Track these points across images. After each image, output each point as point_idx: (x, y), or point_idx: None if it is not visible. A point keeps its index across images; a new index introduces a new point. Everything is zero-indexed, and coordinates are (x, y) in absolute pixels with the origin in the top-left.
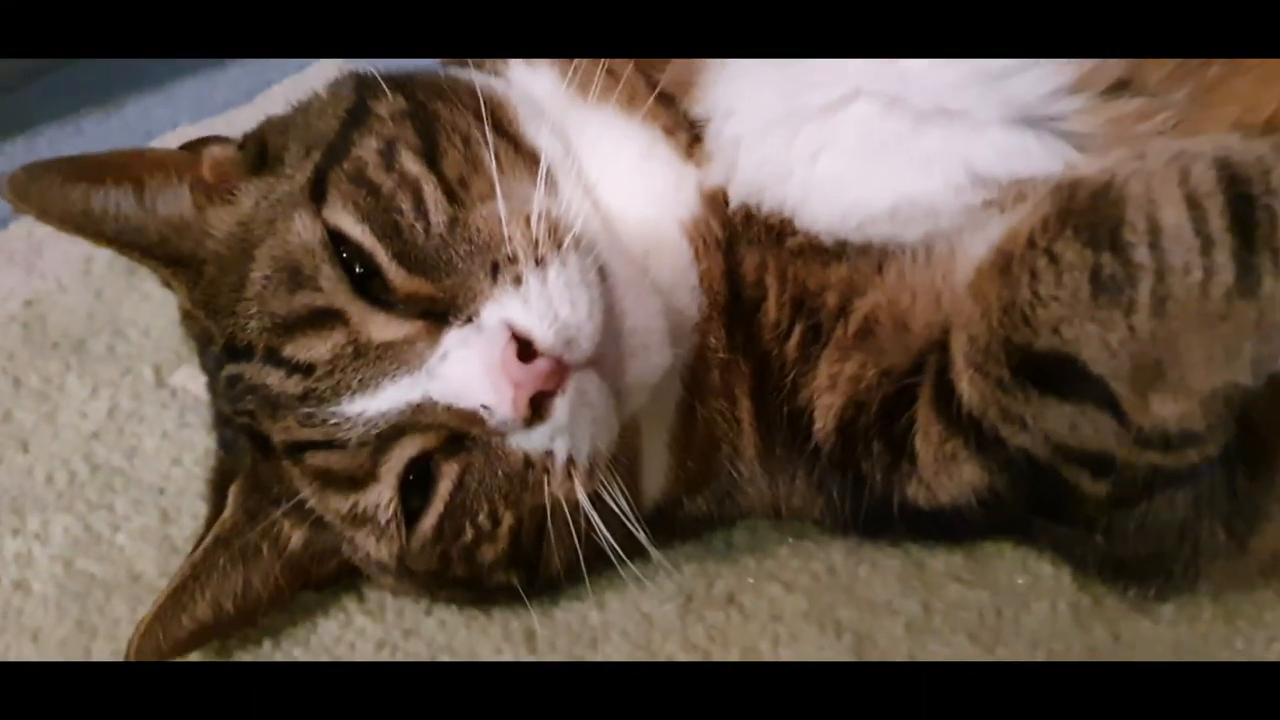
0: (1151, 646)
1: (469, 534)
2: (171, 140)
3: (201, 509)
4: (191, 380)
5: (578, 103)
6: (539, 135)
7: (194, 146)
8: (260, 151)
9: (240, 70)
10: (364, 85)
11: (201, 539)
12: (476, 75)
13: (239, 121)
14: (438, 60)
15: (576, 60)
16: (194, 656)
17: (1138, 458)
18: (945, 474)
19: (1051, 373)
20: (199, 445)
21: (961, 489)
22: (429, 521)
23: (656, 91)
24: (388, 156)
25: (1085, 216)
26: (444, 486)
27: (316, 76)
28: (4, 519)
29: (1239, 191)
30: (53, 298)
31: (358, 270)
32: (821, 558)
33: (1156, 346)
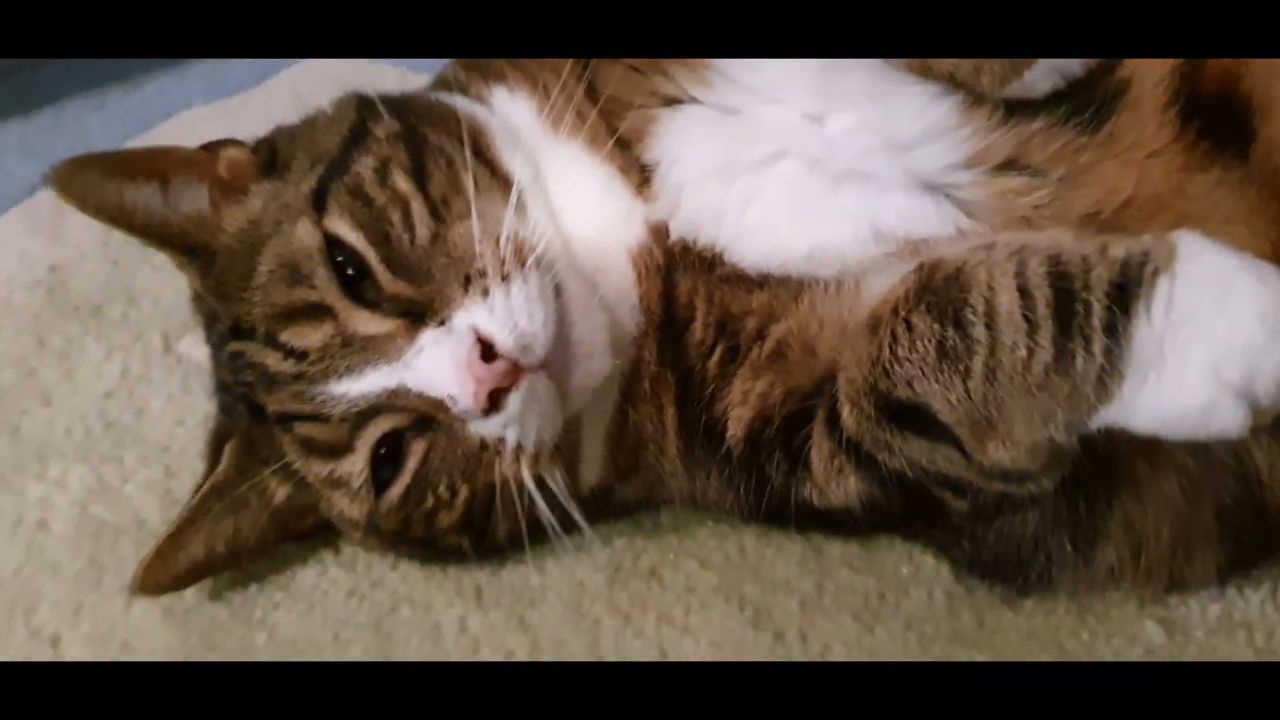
0: (1009, 634)
1: (430, 501)
2: (188, 119)
3: (200, 467)
4: (195, 349)
5: (550, 136)
6: (513, 162)
7: (212, 147)
8: (271, 156)
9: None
10: (364, 107)
11: (198, 488)
12: (463, 102)
13: (250, 103)
14: (429, 87)
15: (552, 98)
16: (187, 593)
17: (986, 485)
18: (834, 483)
19: (910, 415)
20: (200, 409)
21: (848, 496)
22: (397, 490)
23: (616, 136)
24: (382, 174)
25: (938, 295)
26: (412, 461)
27: (321, 66)
28: (29, 465)
29: (1063, 286)
30: (74, 265)
31: (350, 272)
32: (734, 539)
33: (988, 406)
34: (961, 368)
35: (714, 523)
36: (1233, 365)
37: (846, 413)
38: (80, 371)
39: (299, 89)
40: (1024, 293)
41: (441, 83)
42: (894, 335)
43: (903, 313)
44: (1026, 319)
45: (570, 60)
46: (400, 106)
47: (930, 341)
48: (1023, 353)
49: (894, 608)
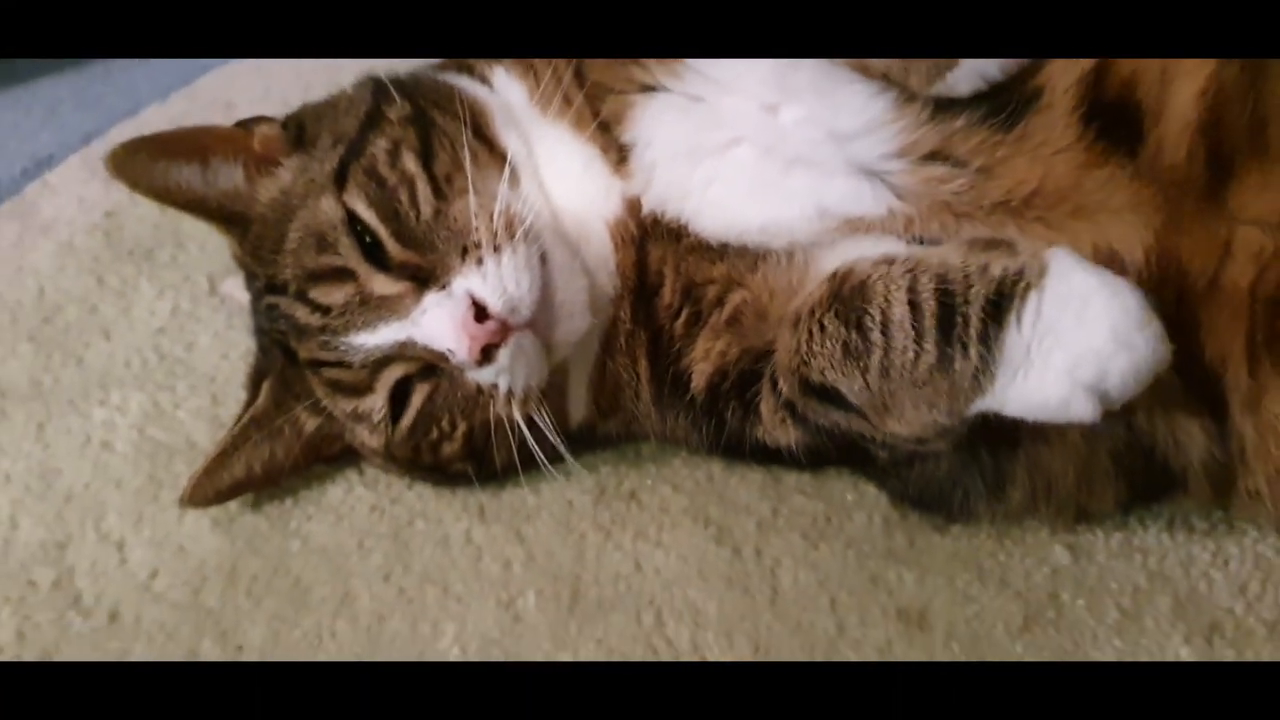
0: (936, 554)
1: (434, 434)
2: (227, 72)
3: (241, 395)
4: (237, 290)
5: (539, 117)
6: (509, 139)
7: (247, 124)
8: (299, 132)
9: None
10: (379, 90)
11: (240, 418)
12: (467, 82)
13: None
14: (436, 70)
15: (542, 83)
16: (232, 506)
17: (897, 444)
18: (779, 430)
19: (827, 393)
20: (241, 344)
21: (791, 440)
22: (406, 422)
23: (598, 119)
24: (393, 156)
25: (845, 303)
26: (417, 399)
27: None
28: (93, 392)
29: (946, 301)
30: (127, 210)
31: (367, 240)
32: (704, 468)
33: (884, 395)
34: (862, 364)
35: (687, 453)
36: (1086, 368)
37: (781, 381)
38: (136, 309)
39: None
40: (914, 305)
41: (448, 61)
42: (810, 333)
43: (818, 314)
44: (915, 328)
45: None
46: (411, 89)
47: (837, 341)
48: (911, 355)
49: (838, 529)
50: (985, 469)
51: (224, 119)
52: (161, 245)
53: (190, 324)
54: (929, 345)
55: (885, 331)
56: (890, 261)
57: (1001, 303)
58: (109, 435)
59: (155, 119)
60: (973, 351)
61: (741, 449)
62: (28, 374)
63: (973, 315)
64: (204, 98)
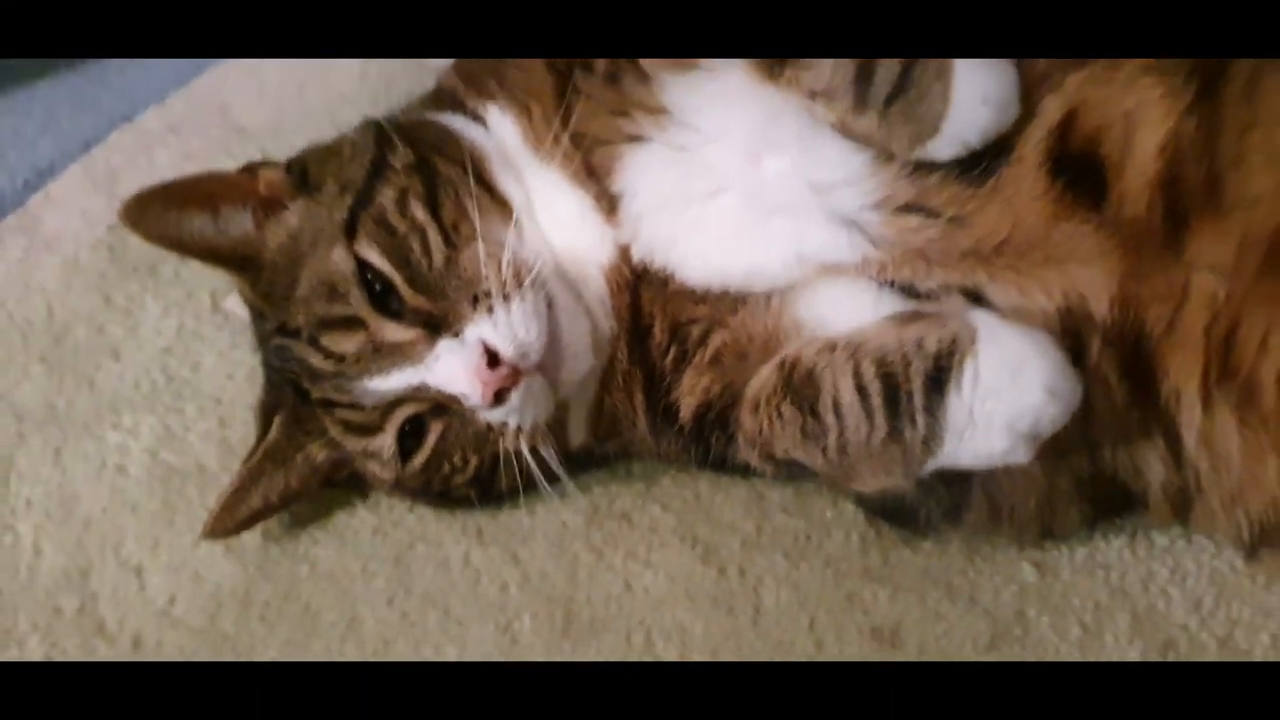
0: (908, 570)
1: (446, 468)
2: (221, 72)
3: (247, 417)
4: (238, 306)
5: (534, 161)
6: (509, 184)
7: (251, 168)
8: (303, 175)
9: None
10: (382, 138)
11: (253, 452)
12: (462, 123)
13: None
14: (432, 107)
15: (534, 124)
16: (245, 535)
17: None
18: (754, 456)
19: (792, 462)
20: (245, 364)
21: (767, 471)
22: (419, 459)
23: (590, 169)
24: (401, 205)
25: (797, 392)
26: (432, 437)
27: None
28: (106, 415)
29: (889, 382)
30: (128, 230)
31: (378, 288)
32: (691, 486)
33: (843, 466)
34: (820, 444)
35: (675, 472)
36: (1025, 421)
37: (749, 451)
38: (143, 328)
39: None
40: (861, 389)
41: (443, 94)
42: (770, 419)
43: (774, 402)
44: (864, 409)
45: (552, 90)
46: (411, 133)
47: (795, 426)
48: (864, 432)
49: (817, 547)
50: (940, 497)
51: (220, 123)
52: (164, 260)
53: (195, 343)
54: (880, 421)
55: (838, 414)
56: (832, 348)
57: (940, 375)
58: (123, 459)
59: (153, 122)
60: (920, 421)
61: (727, 467)
62: (42, 397)
63: (916, 391)
64: (200, 100)
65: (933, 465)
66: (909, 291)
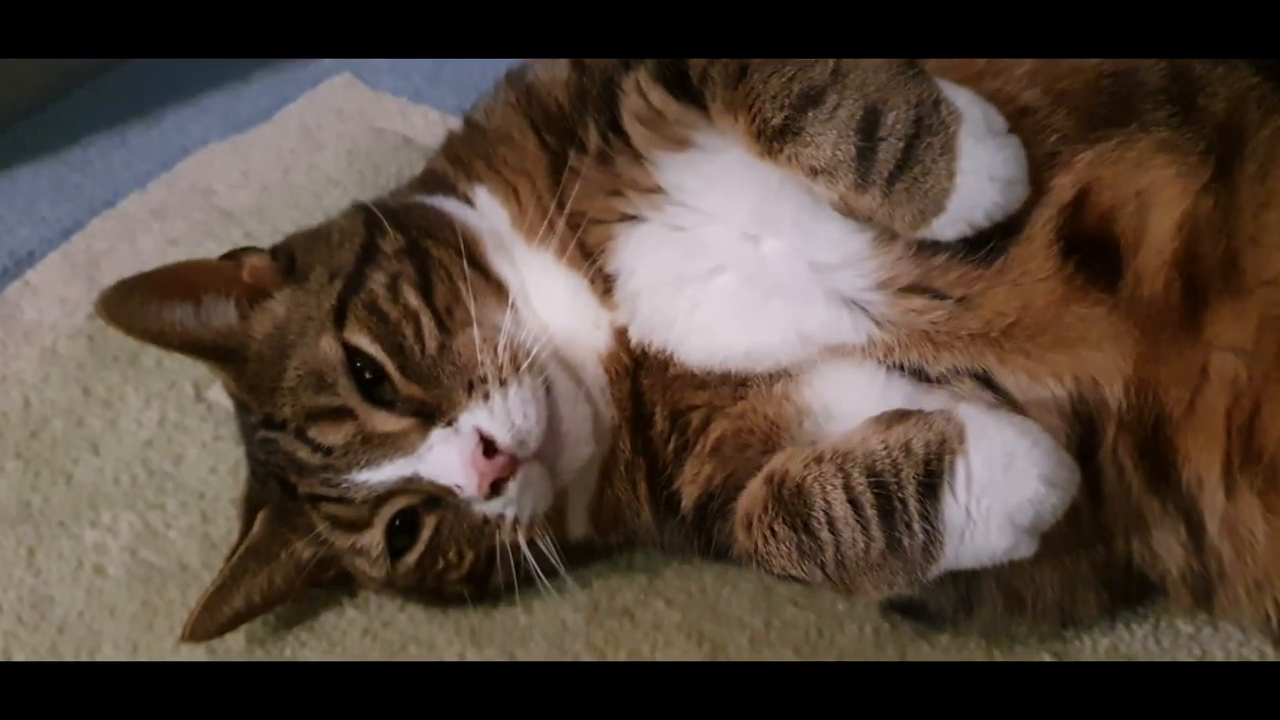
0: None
1: (441, 564)
2: (204, 156)
3: (231, 512)
4: (224, 396)
5: (524, 244)
6: (503, 266)
7: (234, 255)
8: (290, 262)
9: (261, 87)
10: (371, 222)
11: (236, 550)
12: (453, 206)
13: (261, 139)
14: (421, 191)
15: (524, 206)
16: (228, 638)
17: None
18: (753, 567)
19: (791, 576)
20: (229, 456)
21: (766, 574)
22: (412, 557)
23: (584, 250)
24: (393, 291)
25: (788, 508)
26: (426, 533)
27: (326, 96)
28: (84, 512)
29: (881, 491)
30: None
31: (368, 376)
32: (696, 579)
33: (844, 579)
34: (818, 560)
35: (679, 564)
36: (1024, 514)
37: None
38: (123, 420)
39: (306, 122)
40: (853, 502)
41: (432, 177)
42: (764, 537)
43: (766, 520)
44: (859, 522)
45: (546, 168)
46: (401, 217)
47: (790, 544)
48: (861, 546)
49: (830, 642)
50: (948, 593)
51: (204, 206)
52: (146, 349)
53: (178, 435)
54: (876, 533)
55: (833, 530)
56: (819, 459)
57: (932, 479)
58: (101, 559)
59: (135, 208)
60: (917, 528)
61: (730, 558)
62: (16, 494)
63: (909, 498)
64: (183, 184)
65: (936, 571)
66: (919, 375)
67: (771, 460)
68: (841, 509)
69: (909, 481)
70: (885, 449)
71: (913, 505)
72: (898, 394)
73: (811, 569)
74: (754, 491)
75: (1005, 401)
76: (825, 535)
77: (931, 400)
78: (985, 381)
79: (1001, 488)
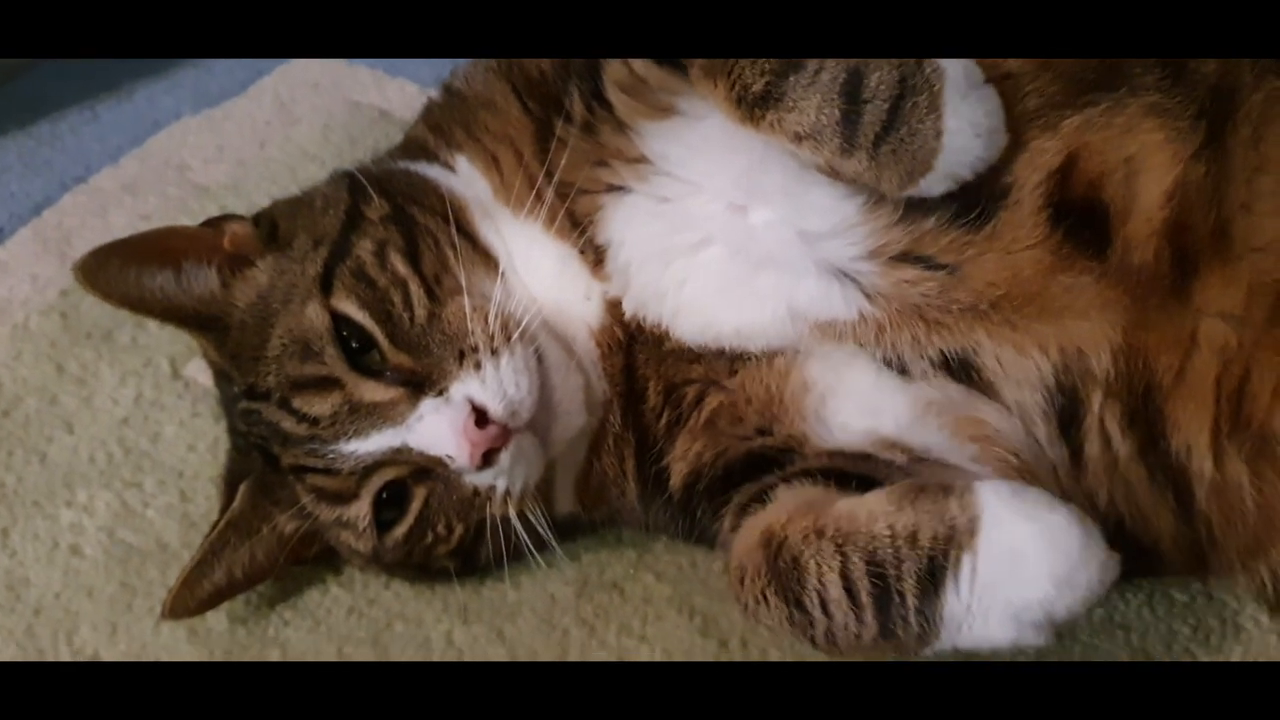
0: None
1: (430, 538)
2: (177, 130)
3: (210, 490)
4: (201, 373)
5: (509, 214)
6: (491, 235)
7: (215, 222)
8: (272, 229)
9: (234, 60)
10: (355, 188)
11: (217, 524)
12: (437, 172)
13: (235, 112)
14: (404, 158)
15: (507, 177)
16: (208, 615)
17: None
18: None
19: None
20: (208, 434)
21: None
22: (401, 529)
23: (572, 219)
24: (380, 257)
25: (782, 579)
26: (415, 505)
27: (301, 69)
28: (59, 492)
29: (878, 579)
30: (83, 289)
31: (355, 345)
32: (687, 554)
33: (834, 650)
34: (809, 634)
35: (669, 538)
36: (1032, 613)
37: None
38: (98, 398)
39: (281, 95)
40: (849, 587)
41: (413, 144)
42: (755, 600)
43: (759, 585)
44: (853, 608)
45: (532, 136)
46: (385, 183)
47: (782, 614)
48: (854, 629)
49: None
50: None
51: (178, 181)
52: (120, 326)
53: (155, 413)
54: (869, 620)
55: (825, 610)
56: (820, 534)
57: (935, 572)
58: (78, 539)
59: (107, 183)
60: (913, 621)
61: (711, 542)
62: None
63: (908, 591)
64: (156, 159)
65: (931, 654)
66: (903, 370)
67: (770, 514)
68: (836, 592)
69: (909, 575)
70: (890, 536)
71: (910, 599)
72: (890, 391)
73: (802, 636)
74: (750, 546)
75: (984, 388)
76: (818, 615)
77: (912, 396)
78: (966, 370)
79: (1006, 587)
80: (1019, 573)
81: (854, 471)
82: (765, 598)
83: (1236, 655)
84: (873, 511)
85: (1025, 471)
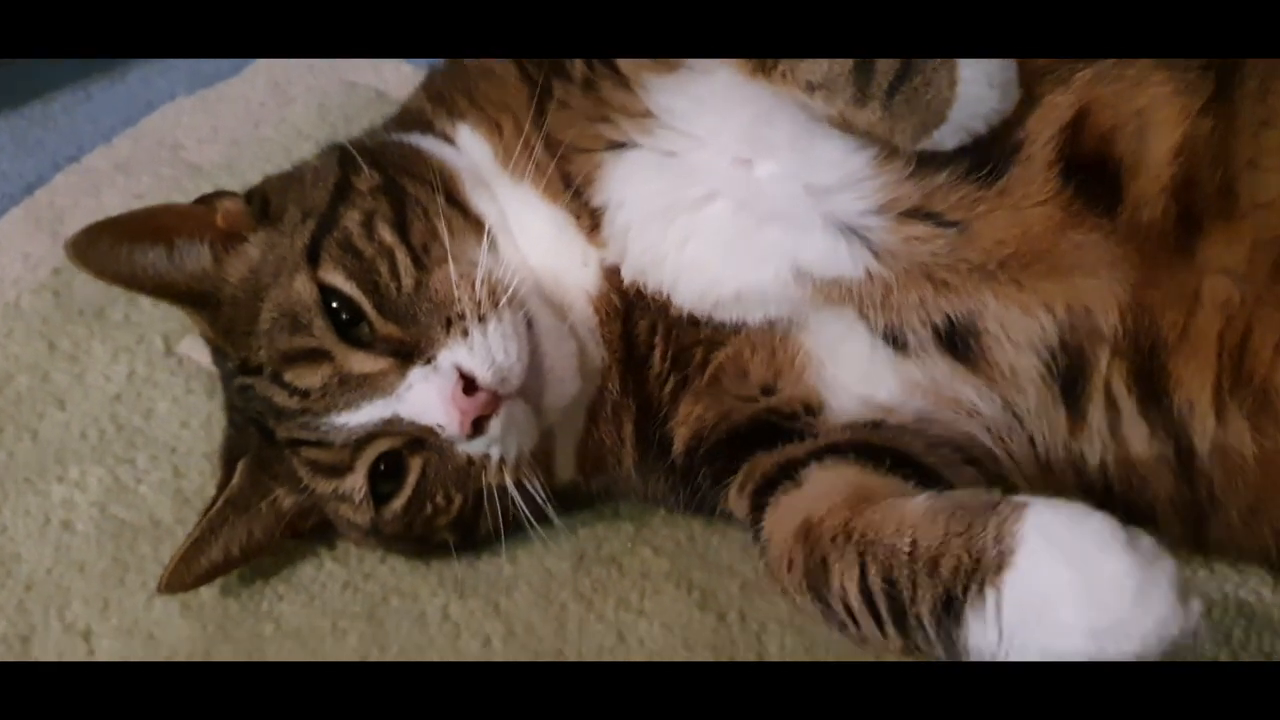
0: None
1: (429, 509)
2: (170, 111)
3: (204, 466)
4: (194, 350)
5: (506, 179)
6: (482, 203)
7: (208, 200)
8: (264, 205)
9: None
10: (346, 161)
11: (214, 500)
12: (431, 143)
13: (229, 93)
14: (397, 129)
15: (506, 141)
16: (201, 590)
17: None
18: (739, 510)
19: None
20: (201, 410)
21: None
22: (399, 501)
23: (567, 182)
24: (368, 227)
25: (810, 578)
26: (412, 477)
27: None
28: (50, 468)
29: (894, 600)
30: (76, 266)
31: (344, 317)
32: (684, 527)
33: (865, 646)
34: (845, 632)
35: (666, 512)
36: (1066, 654)
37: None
38: (90, 375)
39: (276, 75)
40: (868, 598)
41: (409, 116)
42: (794, 590)
43: (797, 577)
44: (873, 617)
45: (526, 100)
46: (377, 155)
47: (817, 609)
48: (879, 636)
49: None
50: None
51: (171, 161)
52: (113, 303)
53: (147, 389)
54: (892, 634)
55: (851, 615)
56: (848, 535)
57: (951, 603)
58: (69, 515)
59: (100, 162)
60: (936, 644)
61: (712, 511)
62: None
63: (924, 615)
64: (149, 139)
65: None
66: (899, 344)
67: (810, 499)
68: (856, 600)
69: (924, 601)
70: (909, 556)
71: (929, 624)
72: (883, 366)
73: (833, 629)
74: (789, 535)
75: (973, 362)
76: (844, 615)
77: (902, 377)
78: (964, 339)
79: (1037, 634)
80: (1049, 621)
81: (880, 444)
82: (801, 589)
83: (1239, 629)
84: (903, 521)
85: (998, 443)
